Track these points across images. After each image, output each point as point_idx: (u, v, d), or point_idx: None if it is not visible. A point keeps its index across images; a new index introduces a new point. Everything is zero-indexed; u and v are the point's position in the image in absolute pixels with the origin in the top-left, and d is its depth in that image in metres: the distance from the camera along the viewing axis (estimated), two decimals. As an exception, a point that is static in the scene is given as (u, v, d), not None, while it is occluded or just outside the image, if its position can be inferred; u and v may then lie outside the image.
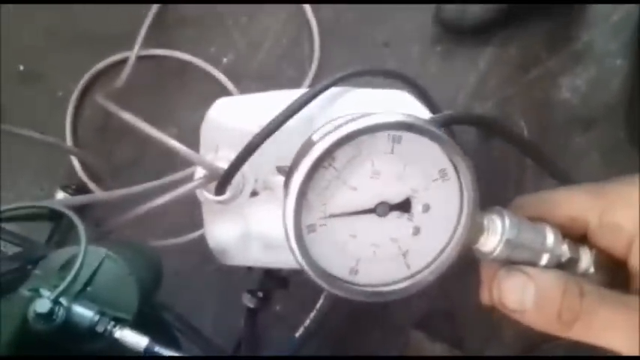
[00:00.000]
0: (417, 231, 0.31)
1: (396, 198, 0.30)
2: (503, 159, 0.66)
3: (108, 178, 0.79)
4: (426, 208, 0.30)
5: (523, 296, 0.30)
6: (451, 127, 0.60)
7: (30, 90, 0.88)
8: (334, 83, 0.48)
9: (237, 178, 0.50)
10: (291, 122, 0.48)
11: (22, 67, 0.90)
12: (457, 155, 0.29)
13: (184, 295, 0.70)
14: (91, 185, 0.79)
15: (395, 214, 0.30)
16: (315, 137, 0.29)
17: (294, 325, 0.65)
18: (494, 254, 0.31)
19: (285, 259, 0.52)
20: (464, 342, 0.65)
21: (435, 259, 0.31)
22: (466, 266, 0.63)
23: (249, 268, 0.62)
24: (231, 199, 0.50)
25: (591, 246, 0.33)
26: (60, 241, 0.70)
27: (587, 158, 0.68)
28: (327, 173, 0.28)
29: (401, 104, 0.50)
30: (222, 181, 0.49)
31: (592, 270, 0.33)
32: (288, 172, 0.30)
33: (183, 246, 0.71)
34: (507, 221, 0.31)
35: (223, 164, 0.49)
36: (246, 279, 0.70)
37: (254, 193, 0.51)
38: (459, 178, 0.30)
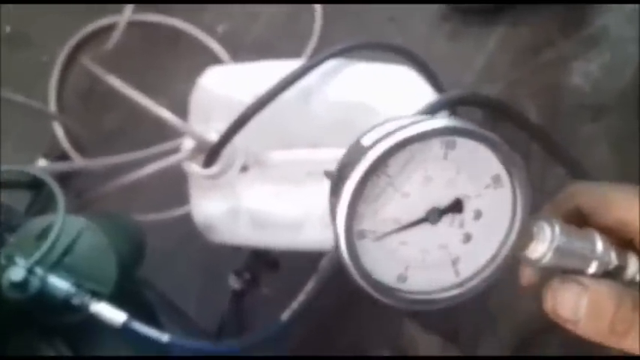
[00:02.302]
0: (467, 238, 0.31)
1: (448, 204, 0.31)
2: (509, 144, 0.66)
3: (91, 147, 0.78)
4: (478, 214, 0.31)
5: (577, 306, 0.31)
6: (456, 108, 0.59)
7: (15, 52, 0.86)
8: (333, 55, 0.47)
9: (227, 151, 0.49)
10: (287, 94, 0.48)
11: (8, 29, 0.89)
12: (512, 162, 0.29)
13: (168, 273, 0.70)
14: (75, 154, 0.79)
15: (446, 220, 0.30)
16: (364, 142, 0.29)
17: (282, 309, 0.65)
18: (543, 261, 0.32)
19: (274, 239, 0.52)
20: (458, 334, 0.65)
21: (484, 267, 0.32)
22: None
23: (237, 248, 0.62)
24: (221, 173, 0.50)
25: (638, 253, 0.33)
26: (40, 211, 0.69)
27: (596, 147, 0.68)
28: (380, 180, 0.29)
29: (404, 81, 0.50)
30: (212, 153, 0.48)
31: (639, 278, 0.33)
32: (337, 178, 0.30)
33: (170, 222, 0.70)
34: (557, 228, 0.32)
35: (213, 136, 0.49)
36: (234, 259, 0.70)
37: (244, 168, 0.51)
38: (512, 184, 0.30)
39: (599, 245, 0.33)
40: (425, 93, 0.50)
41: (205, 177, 0.50)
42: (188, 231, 0.57)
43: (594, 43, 0.69)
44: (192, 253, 0.72)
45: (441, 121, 0.29)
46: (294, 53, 0.74)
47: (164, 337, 0.43)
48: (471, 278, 0.32)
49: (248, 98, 0.47)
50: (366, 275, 0.30)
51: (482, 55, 0.70)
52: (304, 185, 0.49)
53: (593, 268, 0.32)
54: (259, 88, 0.47)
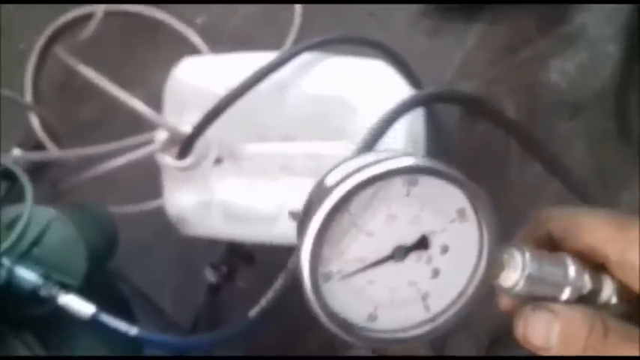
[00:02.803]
0: (436, 273, 0.31)
1: (413, 241, 0.30)
2: (487, 142, 0.66)
3: (66, 137, 0.77)
4: (445, 249, 0.31)
5: (548, 334, 0.31)
6: (433, 104, 0.59)
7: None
8: (308, 48, 0.47)
9: (200, 143, 0.49)
10: (261, 86, 0.47)
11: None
12: (477, 195, 0.29)
13: (144, 266, 0.69)
14: (50, 144, 0.78)
15: (413, 257, 0.30)
16: (328, 182, 0.29)
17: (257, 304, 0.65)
18: (516, 289, 0.32)
19: (247, 232, 0.52)
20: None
21: (455, 300, 0.32)
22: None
23: (214, 242, 0.62)
24: (194, 165, 0.50)
25: (612, 275, 0.33)
26: (15, 201, 0.68)
27: (573, 145, 0.68)
28: (343, 220, 0.29)
29: (380, 76, 0.50)
30: (185, 145, 0.48)
31: (614, 300, 0.33)
32: (301, 220, 0.30)
33: (146, 214, 0.70)
34: (528, 255, 0.32)
35: (187, 127, 0.48)
36: (210, 253, 0.69)
37: (218, 161, 0.51)
38: (477, 217, 0.30)
39: (572, 270, 0.32)
40: (401, 88, 0.50)
41: (178, 169, 0.49)
42: (165, 223, 0.56)
43: (572, 41, 0.69)
44: (168, 246, 0.71)
45: (405, 159, 0.29)
46: (274, 46, 0.74)
47: (133, 330, 0.42)
48: (442, 313, 0.32)
49: (223, 90, 0.47)
50: (333, 316, 0.30)
51: (461, 52, 0.70)
52: (278, 178, 0.49)
53: (566, 294, 0.32)
54: (234, 79, 0.47)
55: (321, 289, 0.29)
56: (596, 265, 0.33)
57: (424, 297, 0.31)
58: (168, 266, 0.73)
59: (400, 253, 0.30)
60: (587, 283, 0.33)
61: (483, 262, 0.31)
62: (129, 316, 0.52)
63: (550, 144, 0.62)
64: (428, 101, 0.48)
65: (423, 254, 0.30)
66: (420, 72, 0.60)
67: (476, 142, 0.67)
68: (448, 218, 0.30)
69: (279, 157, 0.48)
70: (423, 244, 0.30)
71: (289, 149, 0.48)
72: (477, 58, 0.70)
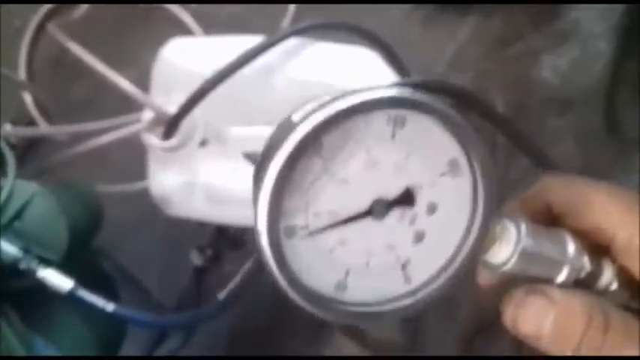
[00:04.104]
0: (419, 237, 0.26)
1: (395, 195, 0.25)
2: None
3: (59, 115, 0.77)
4: (432, 208, 0.26)
5: (541, 323, 0.28)
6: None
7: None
8: (295, 33, 0.47)
9: (186, 124, 0.49)
10: (247, 70, 0.47)
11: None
12: (473, 145, 0.25)
13: (131, 246, 0.70)
14: (42, 121, 0.78)
15: (394, 215, 0.25)
16: (295, 117, 0.25)
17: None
18: (507, 267, 0.28)
19: (229, 215, 0.52)
20: (420, 321, 0.65)
21: (440, 272, 0.27)
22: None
23: (202, 224, 0.62)
24: (179, 146, 0.50)
25: (613, 260, 0.30)
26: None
27: (561, 141, 0.68)
28: (312, 164, 0.24)
29: (366, 63, 0.50)
30: (170, 125, 0.48)
31: (614, 286, 0.30)
32: (260, 161, 0.26)
33: (134, 194, 0.70)
34: (523, 228, 0.28)
35: (172, 108, 0.48)
36: (198, 235, 0.70)
37: (204, 143, 0.51)
38: (472, 173, 0.26)
39: (571, 249, 0.29)
40: (387, 76, 0.50)
41: (163, 149, 0.49)
42: (153, 204, 0.57)
43: (565, 37, 0.70)
44: (156, 226, 0.72)
45: (388, 90, 0.24)
46: (268, 30, 0.74)
47: (109, 307, 0.43)
48: (424, 286, 0.27)
49: (210, 71, 0.47)
50: (295, 283, 0.25)
51: (454, 44, 0.70)
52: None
53: (562, 276, 0.29)
54: (222, 61, 0.47)
55: (282, 247, 0.24)
56: (597, 249, 0.30)
57: (404, 265, 0.27)
58: (156, 247, 0.74)
59: (380, 208, 0.25)
60: (586, 264, 0.29)
61: (475, 229, 0.27)
62: (112, 295, 0.53)
63: (539, 139, 0.62)
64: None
65: (407, 212, 0.26)
66: (410, 63, 0.59)
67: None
68: (438, 170, 0.26)
69: (264, 140, 0.49)
70: (407, 199, 0.25)
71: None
72: (469, 50, 0.70)
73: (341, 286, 0.26)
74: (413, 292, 0.27)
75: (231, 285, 0.48)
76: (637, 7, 0.66)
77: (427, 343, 0.64)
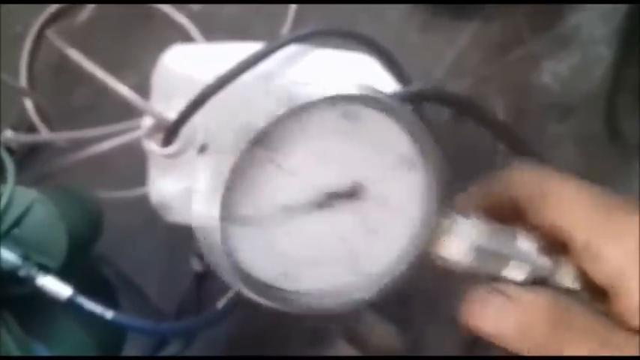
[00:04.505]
0: (370, 229, 0.27)
1: (345, 188, 0.26)
2: (474, 143, 0.66)
3: (59, 121, 0.78)
4: (383, 201, 0.27)
5: (502, 321, 0.27)
6: (422, 104, 0.59)
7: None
8: (293, 41, 0.48)
9: (186, 131, 0.49)
10: (246, 77, 0.48)
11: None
12: (424, 139, 0.26)
13: (131, 253, 0.70)
14: (43, 127, 0.78)
15: (343, 207, 0.26)
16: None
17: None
18: (461, 264, 0.28)
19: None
20: (414, 323, 0.65)
21: (391, 264, 0.28)
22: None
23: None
24: (179, 152, 0.50)
25: (573, 258, 0.30)
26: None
27: (562, 147, 0.69)
28: (259, 154, 0.25)
29: (364, 70, 0.50)
30: (169, 132, 0.49)
31: (576, 286, 0.30)
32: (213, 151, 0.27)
33: (134, 200, 0.70)
34: (478, 224, 0.28)
35: (172, 114, 0.49)
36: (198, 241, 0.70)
37: (203, 149, 0.51)
38: (424, 167, 0.27)
39: (528, 246, 0.29)
40: (386, 83, 0.50)
41: (163, 156, 0.50)
42: (153, 210, 0.57)
43: (565, 42, 0.70)
44: (156, 233, 0.72)
45: (340, 86, 0.25)
46: (268, 33, 0.74)
47: (108, 314, 0.43)
48: (375, 277, 0.28)
49: (209, 78, 0.48)
50: (242, 273, 0.26)
51: (453, 50, 0.70)
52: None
53: (521, 275, 0.28)
54: (222, 68, 0.48)
55: (228, 236, 0.25)
56: (558, 247, 0.29)
57: (355, 257, 0.27)
58: (156, 253, 0.74)
59: (329, 201, 0.26)
60: (545, 263, 0.29)
61: (426, 223, 0.27)
62: (112, 302, 0.53)
63: (539, 145, 0.62)
64: (413, 99, 0.49)
65: (356, 205, 0.26)
66: (410, 68, 0.60)
67: (463, 143, 0.67)
68: (389, 165, 0.26)
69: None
70: (357, 192, 0.26)
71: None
72: (469, 56, 0.70)
73: (291, 277, 0.27)
74: (363, 284, 0.28)
75: (230, 293, 0.48)
76: (638, 9, 0.66)
77: (427, 349, 0.65)
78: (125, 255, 0.67)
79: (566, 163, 0.68)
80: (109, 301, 0.46)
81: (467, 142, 0.68)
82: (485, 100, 0.69)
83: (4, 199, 0.42)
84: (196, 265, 0.70)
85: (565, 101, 0.69)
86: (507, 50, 0.70)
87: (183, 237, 0.71)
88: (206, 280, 0.72)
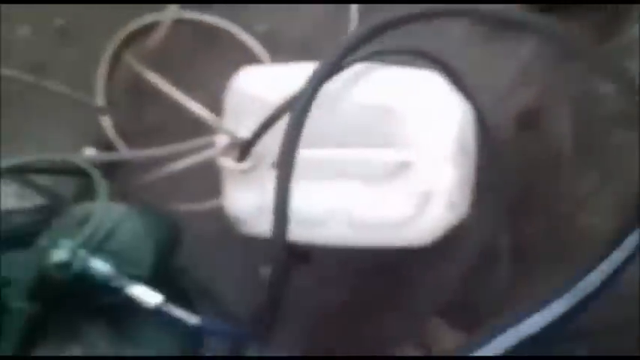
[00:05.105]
0: None
1: None
2: (538, 151, 0.67)
3: (135, 138, 0.82)
4: None
5: None
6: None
7: (66, 46, 0.91)
8: (360, 60, 0.50)
9: (258, 148, 0.53)
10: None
11: (60, 22, 0.93)
12: None
13: (206, 262, 0.73)
14: (120, 145, 0.83)
15: None
16: None
17: (314, 300, 0.68)
18: None
19: (299, 233, 0.55)
20: (481, 329, 0.66)
21: None
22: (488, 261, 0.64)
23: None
24: (252, 168, 0.54)
25: None
26: (88, 197, 0.74)
27: (629, 155, 0.68)
28: None
29: (430, 86, 0.52)
30: (244, 149, 0.52)
31: None
32: None
33: (209, 211, 0.74)
34: None
35: (245, 133, 0.52)
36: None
37: (274, 165, 0.54)
38: None
39: None
40: (450, 98, 0.52)
41: (237, 172, 0.53)
42: (227, 221, 0.60)
43: (630, 51, 0.70)
44: (230, 243, 0.75)
45: None
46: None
47: (193, 320, 0.46)
48: None
49: (279, 98, 0.51)
50: None
51: (517, 60, 0.71)
52: (329, 183, 0.52)
53: None
54: (290, 88, 0.51)
55: None
56: None
57: None
58: (230, 263, 0.77)
59: None
60: None
61: None
62: (189, 309, 0.56)
63: (605, 153, 0.63)
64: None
65: None
66: (474, 80, 0.61)
67: (527, 152, 0.68)
68: None
69: (332, 163, 0.52)
70: None
71: (341, 156, 0.51)
72: (534, 65, 0.71)
73: None
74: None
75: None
76: None
77: None
78: (201, 264, 0.70)
79: (633, 171, 0.68)
80: (188, 308, 0.50)
81: (530, 149, 0.69)
82: (552, 108, 0.69)
83: (98, 215, 0.46)
84: (266, 273, 0.73)
85: (630, 109, 0.69)
86: (572, 60, 0.70)
87: (255, 246, 0.74)
88: (279, 287, 0.76)
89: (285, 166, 0.46)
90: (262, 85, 0.54)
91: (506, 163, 0.66)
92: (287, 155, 0.46)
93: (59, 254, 0.44)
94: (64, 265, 0.44)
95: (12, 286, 0.47)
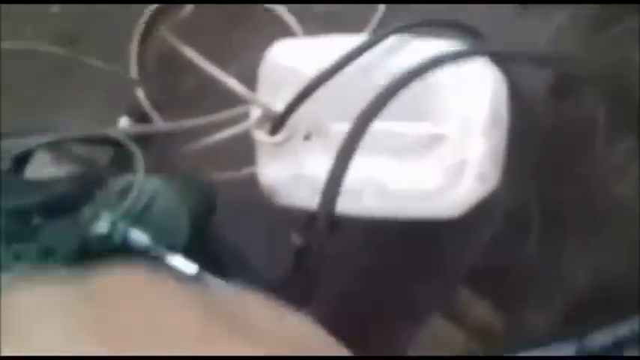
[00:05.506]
0: None
1: None
2: (572, 119, 0.66)
3: (169, 108, 0.83)
4: None
5: None
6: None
7: (99, 18, 0.92)
8: (393, 33, 0.50)
9: (291, 121, 0.53)
10: (347, 68, 0.50)
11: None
12: None
13: (238, 229, 0.74)
14: (155, 115, 0.84)
15: None
16: None
17: (345, 266, 0.69)
18: None
19: (333, 204, 0.55)
20: (510, 300, 0.66)
21: None
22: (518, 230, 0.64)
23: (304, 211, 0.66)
24: (285, 141, 0.54)
25: None
26: (123, 166, 0.75)
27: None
28: None
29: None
30: (277, 122, 0.52)
31: None
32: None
33: (242, 180, 0.74)
34: None
35: (279, 106, 0.52)
36: (299, 219, 0.74)
37: (307, 137, 0.54)
38: None
39: None
40: (485, 69, 0.51)
41: (271, 144, 0.54)
42: (258, 189, 0.61)
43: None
44: (261, 211, 0.75)
45: None
46: (360, 25, 0.75)
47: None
48: None
49: (312, 71, 0.51)
50: None
51: (549, 29, 0.70)
52: (362, 155, 0.52)
53: None
54: (323, 61, 0.51)
55: None
56: None
57: None
58: (261, 230, 0.78)
59: None
60: None
61: None
62: (222, 273, 0.57)
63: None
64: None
65: None
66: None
67: (561, 120, 0.67)
68: None
69: (366, 135, 0.51)
70: None
71: (375, 128, 0.51)
72: (566, 35, 0.69)
73: None
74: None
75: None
76: None
77: (523, 326, 0.66)
78: (233, 231, 0.71)
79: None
80: (219, 273, 0.50)
81: (565, 118, 0.68)
82: (585, 77, 0.68)
83: (137, 187, 0.47)
84: (296, 240, 0.74)
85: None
86: (605, 28, 0.69)
87: (285, 215, 0.75)
88: (308, 254, 0.76)
89: (349, 146, 0.46)
90: (297, 57, 0.53)
91: (540, 132, 0.65)
92: (355, 136, 0.46)
93: (101, 226, 0.45)
94: (106, 237, 0.45)
95: (55, 256, 0.49)
